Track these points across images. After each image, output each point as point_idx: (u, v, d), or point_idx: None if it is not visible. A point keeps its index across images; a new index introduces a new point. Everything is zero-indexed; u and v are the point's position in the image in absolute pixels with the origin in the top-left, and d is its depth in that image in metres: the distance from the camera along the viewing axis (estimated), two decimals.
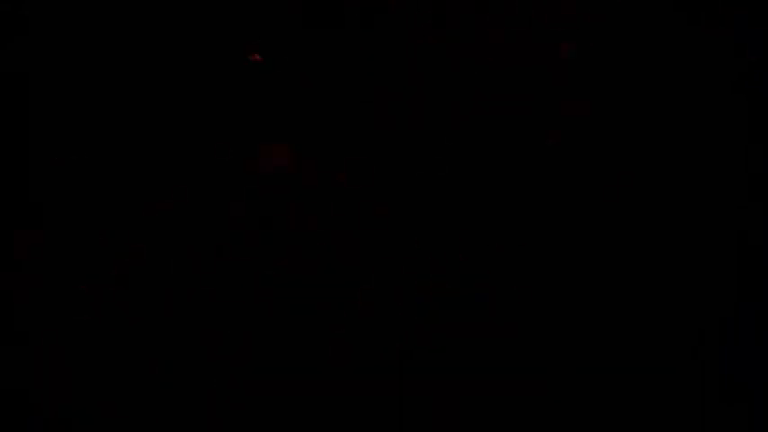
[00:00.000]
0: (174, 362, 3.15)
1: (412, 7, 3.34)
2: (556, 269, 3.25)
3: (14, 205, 3.22)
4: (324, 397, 3.15)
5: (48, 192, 3.23)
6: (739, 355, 3.18)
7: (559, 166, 3.32)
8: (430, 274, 3.26)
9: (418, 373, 3.19)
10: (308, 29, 3.34)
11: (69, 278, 3.18)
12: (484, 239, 3.29)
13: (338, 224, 3.30)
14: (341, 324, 3.22)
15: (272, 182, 3.12)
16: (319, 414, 3.14)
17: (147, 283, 3.20)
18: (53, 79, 3.28)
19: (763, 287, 3.23)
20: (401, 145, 3.35)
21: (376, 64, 3.35)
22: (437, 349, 3.20)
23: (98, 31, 3.30)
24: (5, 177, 3.23)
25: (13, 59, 3.28)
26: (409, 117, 3.36)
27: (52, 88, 3.28)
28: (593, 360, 3.19)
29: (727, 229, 3.27)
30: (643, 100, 3.33)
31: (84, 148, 3.27)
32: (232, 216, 3.28)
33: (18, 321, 3.14)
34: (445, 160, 3.33)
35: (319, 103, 3.35)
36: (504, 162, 3.34)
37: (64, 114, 3.27)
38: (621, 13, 3.33)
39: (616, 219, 3.30)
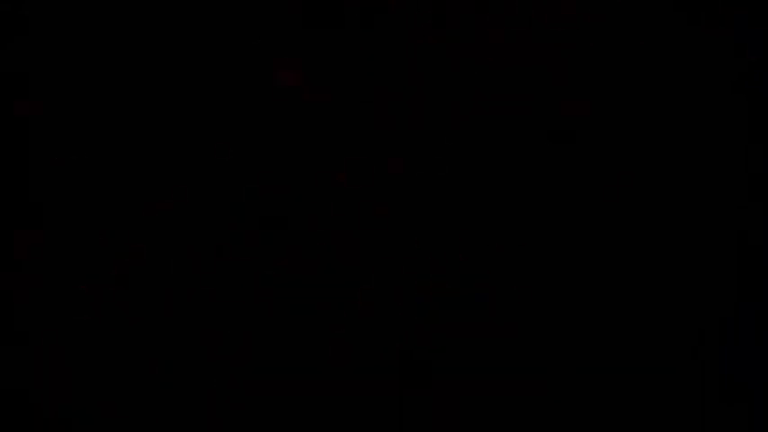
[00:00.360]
0: (174, 362, 3.14)
1: (412, 7, 3.34)
2: (556, 269, 3.25)
3: (14, 205, 3.21)
4: (324, 397, 3.15)
5: (48, 192, 3.22)
6: (739, 355, 3.18)
7: (559, 165, 3.32)
8: (430, 274, 3.26)
9: (418, 373, 3.18)
10: (307, 28, 3.34)
11: (69, 278, 3.18)
12: (484, 239, 3.29)
13: (338, 224, 3.30)
14: (341, 324, 3.22)
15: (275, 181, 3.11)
16: (319, 414, 3.14)
17: (147, 283, 3.20)
18: (53, 79, 3.28)
19: (763, 287, 3.22)
20: (401, 145, 3.34)
21: (376, 64, 3.35)
22: (437, 349, 3.20)
23: (98, 30, 3.30)
24: (5, 177, 3.23)
25: (13, 59, 3.28)
26: (409, 117, 3.36)
27: (52, 88, 3.28)
28: (594, 360, 3.19)
29: (727, 229, 3.27)
30: (643, 100, 3.33)
31: (84, 148, 3.27)
32: (232, 216, 3.27)
33: (18, 321, 3.14)
34: (445, 160, 3.33)
35: (319, 102, 3.34)
36: (505, 162, 3.33)
37: (64, 114, 3.27)
38: (621, 13, 3.33)
39: (616, 219, 3.30)
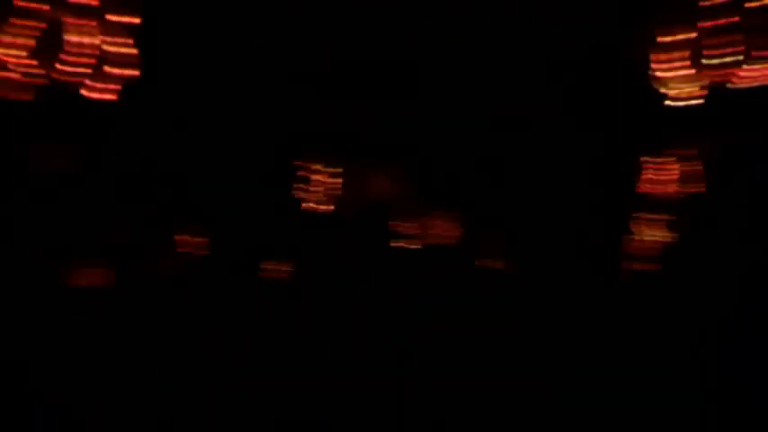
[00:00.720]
0: (174, 362, 3.13)
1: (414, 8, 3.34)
2: (557, 269, 3.24)
3: (14, 204, 3.21)
4: (324, 397, 3.14)
5: (48, 191, 3.22)
6: (739, 355, 3.18)
7: (561, 165, 3.32)
8: (430, 273, 3.25)
9: (418, 373, 3.17)
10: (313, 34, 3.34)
11: (69, 277, 3.17)
12: (484, 239, 3.29)
13: (338, 224, 3.30)
14: (341, 324, 3.21)
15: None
16: (319, 414, 3.13)
17: (147, 283, 3.19)
18: (54, 79, 3.28)
19: (763, 288, 3.22)
20: (400, 145, 3.35)
21: (376, 65, 3.36)
22: (437, 349, 3.19)
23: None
24: (6, 176, 3.23)
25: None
26: (409, 117, 3.37)
27: (53, 88, 3.28)
28: (594, 360, 3.18)
29: (727, 230, 3.27)
30: (645, 98, 3.33)
31: (85, 149, 3.27)
32: (232, 216, 3.27)
33: (18, 321, 3.13)
34: (445, 161, 3.34)
35: (323, 102, 3.35)
36: (505, 163, 3.34)
37: (65, 115, 3.27)
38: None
39: (617, 217, 3.30)
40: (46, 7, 3.05)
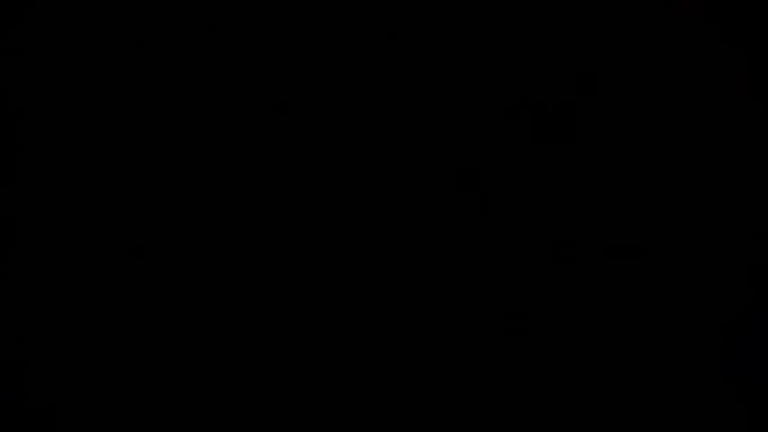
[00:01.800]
0: (174, 362, 3.14)
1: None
2: (558, 267, 3.25)
3: (13, 203, 3.21)
4: (324, 397, 3.15)
5: (47, 191, 3.22)
6: (739, 355, 3.19)
7: (563, 165, 3.32)
8: (430, 272, 3.26)
9: (418, 372, 3.18)
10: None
11: (69, 277, 3.18)
12: (484, 239, 3.29)
13: (338, 223, 3.30)
14: (341, 323, 3.22)
15: None
16: (319, 414, 3.14)
17: (147, 282, 3.19)
18: (55, 77, 3.27)
19: (764, 287, 3.23)
20: (400, 145, 3.35)
21: (375, 67, 3.35)
22: (438, 349, 3.20)
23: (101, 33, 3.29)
24: (5, 174, 3.23)
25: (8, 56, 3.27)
26: (408, 118, 3.36)
27: (54, 86, 3.27)
28: (594, 360, 3.19)
29: (728, 228, 3.27)
30: (656, 103, 3.33)
31: (85, 147, 3.26)
32: (233, 215, 3.27)
33: (18, 321, 3.14)
34: (443, 161, 3.34)
35: (324, 103, 3.34)
36: (505, 163, 3.34)
37: (67, 114, 3.27)
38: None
39: (619, 218, 3.30)
40: None
